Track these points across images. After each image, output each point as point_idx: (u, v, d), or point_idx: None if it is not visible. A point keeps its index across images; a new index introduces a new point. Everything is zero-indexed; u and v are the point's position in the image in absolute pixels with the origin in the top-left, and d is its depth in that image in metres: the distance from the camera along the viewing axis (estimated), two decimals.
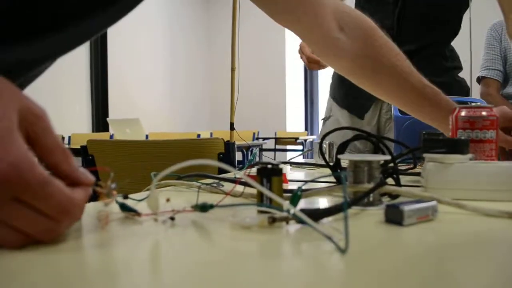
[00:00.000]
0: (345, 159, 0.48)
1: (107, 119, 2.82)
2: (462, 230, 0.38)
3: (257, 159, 3.92)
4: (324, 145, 0.93)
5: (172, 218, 0.39)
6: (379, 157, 0.46)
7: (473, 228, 0.38)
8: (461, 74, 1.36)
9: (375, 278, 0.25)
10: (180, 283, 0.25)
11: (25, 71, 0.50)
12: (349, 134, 0.68)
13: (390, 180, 0.53)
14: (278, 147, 5.31)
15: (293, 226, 0.37)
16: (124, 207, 0.40)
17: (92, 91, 4.53)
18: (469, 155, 0.51)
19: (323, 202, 0.51)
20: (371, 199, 0.45)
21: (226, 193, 0.49)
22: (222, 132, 3.76)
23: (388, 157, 0.49)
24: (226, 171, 0.77)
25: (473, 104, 0.69)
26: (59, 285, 0.24)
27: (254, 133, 4.68)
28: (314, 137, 5.37)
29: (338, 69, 0.85)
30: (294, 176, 0.78)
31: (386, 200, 0.48)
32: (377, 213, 0.42)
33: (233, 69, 2.65)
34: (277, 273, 0.26)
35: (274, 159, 5.17)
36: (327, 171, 0.67)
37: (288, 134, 5.44)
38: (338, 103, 1.41)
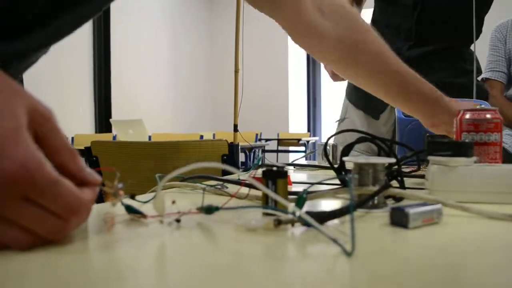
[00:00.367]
0: (350, 162, 0.48)
1: (110, 120, 2.82)
2: (467, 233, 0.38)
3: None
4: (328, 147, 0.93)
5: (178, 220, 0.39)
6: (384, 159, 0.46)
7: (478, 231, 0.38)
8: None
9: (381, 281, 0.25)
10: (186, 285, 0.25)
11: (17, 62, 0.51)
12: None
13: (394, 183, 0.53)
14: (280, 148, 5.31)
15: (298, 229, 0.37)
16: (130, 209, 0.40)
17: (95, 92, 4.54)
18: (474, 158, 0.51)
19: (328, 205, 0.51)
20: (376, 201, 0.45)
21: (231, 195, 0.49)
22: (225, 133, 3.76)
23: (393, 160, 0.49)
24: (229, 173, 0.77)
25: (477, 106, 0.69)
26: (65, 287, 0.24)
27: (256, 134, 4.68)
28: (316, 138, 5.37)
29: (320, 57, 0.81)
30: (297, 178, 0.78)
31: (390, 202, 0.48)
32: (382, 215, 0.42)
33: (236, 71, 2.63)
34: (283, 276, 0.26)
35: (277, 160, 5.17)
36: (331, 173, 0.67)
37: (290, 135, 5.44)
38: (354, 104, 1.41)
